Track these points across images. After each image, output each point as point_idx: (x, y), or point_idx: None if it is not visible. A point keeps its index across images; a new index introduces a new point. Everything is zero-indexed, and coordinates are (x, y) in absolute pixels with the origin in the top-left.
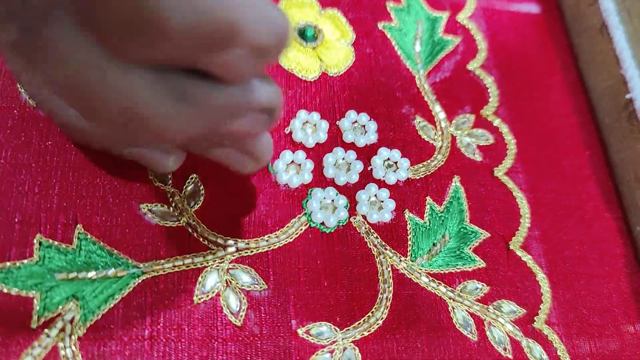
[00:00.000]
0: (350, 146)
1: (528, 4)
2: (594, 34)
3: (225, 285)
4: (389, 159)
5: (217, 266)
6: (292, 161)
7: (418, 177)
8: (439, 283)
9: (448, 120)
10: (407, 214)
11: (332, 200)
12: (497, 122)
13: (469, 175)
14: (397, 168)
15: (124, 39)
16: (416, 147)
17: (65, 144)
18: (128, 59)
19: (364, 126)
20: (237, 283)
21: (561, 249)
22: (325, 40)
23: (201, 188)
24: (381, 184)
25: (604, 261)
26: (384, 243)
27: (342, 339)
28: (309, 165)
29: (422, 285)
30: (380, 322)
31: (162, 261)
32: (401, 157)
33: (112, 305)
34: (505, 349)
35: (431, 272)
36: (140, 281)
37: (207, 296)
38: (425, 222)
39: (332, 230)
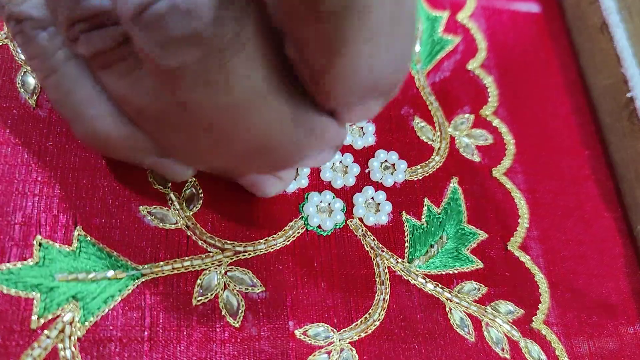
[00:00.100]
0: (348, 149)
1: (528, 3)
2: (594, 32)
3: (223, 287)
4: (386, 161)
5: (216, 269)
6: None
7: (416, 179)
8: (437, 284)
9: (447, 121)
10: (404, 216)
11: (329, 204)
12: (496, 121)
13: (467, 176)
14: (395, 170)
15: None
16: (414, 149)
17: (65, 144)
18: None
19: (361, 128)
20: (235, 285)
21: (560, 248)
22: None
23: (200, 191)
24: (378, 186)
25: (603, 261)
26: (380, 245)
27: (339, 340)
28: (306, 169)
29: (419, 286)
30: (378, 323)
31: (162, 263)
32: (399, 158)
33: (111, 306)
34: (503, 350)
35: (428, 274)
36: (139, 283)
37: (206, 298)
38: (423, 224)
39: (329, 233)
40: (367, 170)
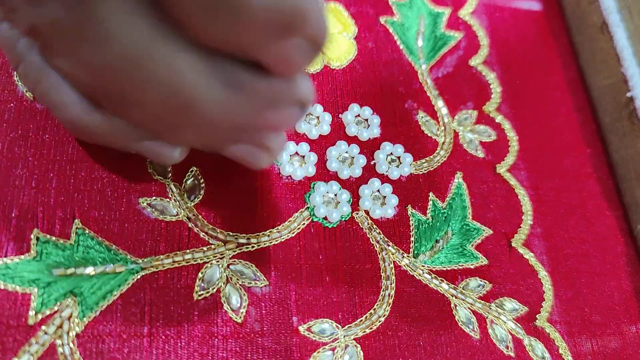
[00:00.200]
0: (354, 140)
1: (529, 1)
2: (594, 32)
3: (225, 281)
4: (392, 153)
5: (218, 262)
6: (296, 153)
7: (421, 173)
8: (442, 280)
9: (450, 116)
10: (410, 210)
11: (335, 195)
12: (499, 118)
13: (471, 171)
14: (400, 163)
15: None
16: (419, 143)
17: (63, 137)
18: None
19: (366, 120)
20: (237, 279)
21: (563, 246)
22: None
23: (201, 181)
24: (384, 178)
25: (605, 259)
26: (386, 239)
27: (344, 336)
28: (313, 157)
29: (424, 282)
30: (382, 319)
31: (162, 256)
32: (404, 152)
33: (110, 301)
34: (507, 347)
35: (433, 269)
36: (139, 277)
37: (207, 292)
38: (428, 219)
39: (335, 225)
40: (372, 162)
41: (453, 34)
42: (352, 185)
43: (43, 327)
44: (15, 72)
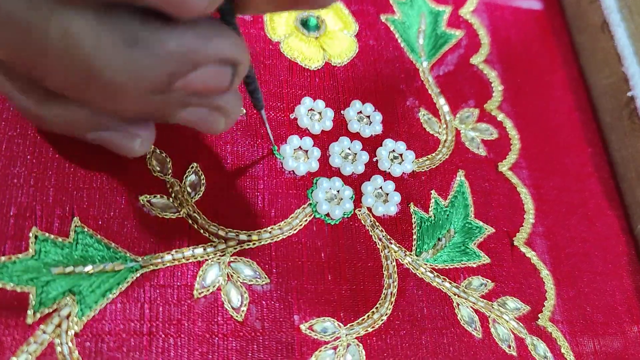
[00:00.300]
0: (356, 136)
1: (529, 0)
2: (595, 31)
3: (226, 279)
4: (394, 150)
5: (218, 259)
6: (300, 147)
7: (423, 170)
8: (444, 279)
9: (452, 114)
10: (412, 208)
11: (338, 191)
12: (501, 116)
13: (473, 169)
14: (403, 160)
15: None
16: (421, 140)
17: (61, 135)
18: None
19: (368, 117)
20: (238, 277)
21: (565, 245)
22: (328, 30)
23: (202, 177)
24: (386, 176)
25: (607, 259)
26: (389, 237)
27: (346, 335)
28: (316, 152)
29: (427, 280)
30: (385, 318)
31: (162, 254)
32: (406, 149)
33: (109, 300)
34: (509, 346)
35: (436, 268)
36: (138, 275)
37: (208, 290)
38: (430, 217)
39: (337, 222)
40: (375, 159)
41: (454, 33)
42: (355, 182)
43: (42, 326)
44: None
